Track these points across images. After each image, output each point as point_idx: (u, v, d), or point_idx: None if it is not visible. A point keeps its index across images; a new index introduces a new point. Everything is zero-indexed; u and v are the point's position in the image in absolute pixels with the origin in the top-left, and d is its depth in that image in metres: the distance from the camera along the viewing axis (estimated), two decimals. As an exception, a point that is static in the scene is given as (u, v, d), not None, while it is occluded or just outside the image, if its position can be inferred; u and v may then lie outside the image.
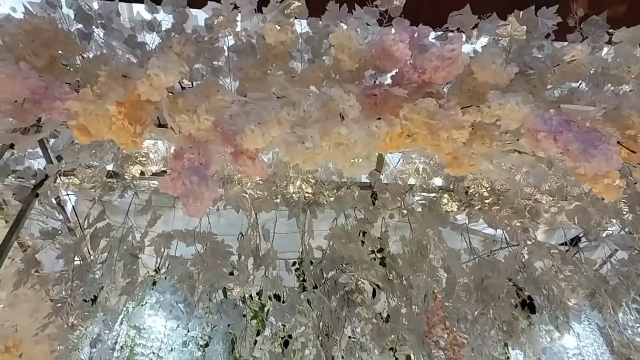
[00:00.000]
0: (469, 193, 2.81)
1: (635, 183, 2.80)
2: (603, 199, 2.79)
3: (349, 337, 2.99)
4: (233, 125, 1.69)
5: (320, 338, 3.05)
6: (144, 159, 2.52)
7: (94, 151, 2.41)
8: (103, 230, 2.50)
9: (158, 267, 2.58)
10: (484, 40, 2.11)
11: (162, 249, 2.47)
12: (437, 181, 2.94)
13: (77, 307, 2.36)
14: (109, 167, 2.60)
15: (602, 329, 2.86)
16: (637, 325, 2.74)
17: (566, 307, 2.63)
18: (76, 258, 2.44)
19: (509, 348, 2.74)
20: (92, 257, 2.48)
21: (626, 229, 2.94)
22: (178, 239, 2.48)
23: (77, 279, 2.36)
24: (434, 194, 2.90)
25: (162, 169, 2.57)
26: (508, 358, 2.67)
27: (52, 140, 2.64)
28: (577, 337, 2.75)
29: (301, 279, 2.78)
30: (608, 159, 1.75)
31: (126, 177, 2.53)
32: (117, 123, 1.58)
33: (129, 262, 2.42)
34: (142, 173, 2.58)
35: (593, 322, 2.83)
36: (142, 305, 2.44)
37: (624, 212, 2.76)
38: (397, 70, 1.81)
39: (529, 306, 2.58)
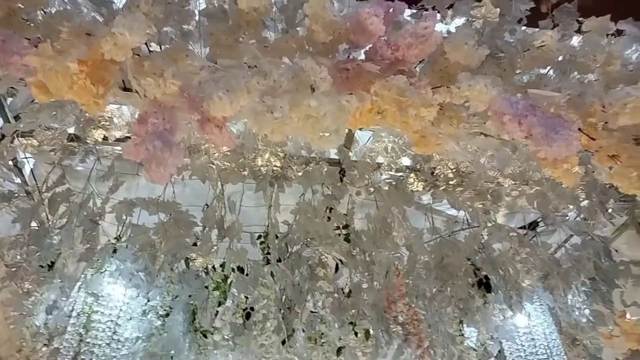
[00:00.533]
0: (434, 174, 2.86)
1: (594, 171, 2.91)
2: (562, 184, 2.90)
3: (311, 311, 3.04)
4: (201, 91, 1.66)
5: (282, 311, 3.08)
6: (108, 123, 2.43)
7: (54, 112, 2.31)
8: (62, 195, 2.42)
9: (119, 235, 2.52)
10: (458, 21, 2.12)
11: (124, 217, 2.42)
12: (405, 161, 2.97)
13: (33, 272, 2.30)
14: (70, 130, 2.50)
15: (552, 309, 2.99)
16: (584, 306, 2.88)
17: (520, 287, 2.74)
18: (33, 222, 2.36)
19: (464, 325, 2.84)
20: (50, 222, 2.41)
21: (581, 215, 3.07)
22: (141, 207, 2.43)
23: (33, 244, 2.29)
24: (401, 174, 2.93)
25: (126, 134, 2.49)
26: (462, 334, 2.77)
27: (9, 99, 2.52)
28: (528, 316, 2.87)
29: (265, 252, 2.78)
30: (568, 144, 1.81)
31: (88, 141, 2.45)
32: (79, 82, 1.52)
33: (88, 229, 2.36)
34: (105, 138, 2.50)
35: (544, 303, 2.95)
36: (101, 272, 2.39)
37: (581, 199, 2.87)
38: (370, 46, 1.81)
39: (485, 285, 2.68)
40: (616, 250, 3.13)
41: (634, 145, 2.13)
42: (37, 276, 2.33)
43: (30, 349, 3.12)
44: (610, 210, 2.91)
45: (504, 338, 2.81)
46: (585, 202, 2.90)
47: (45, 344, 2.86)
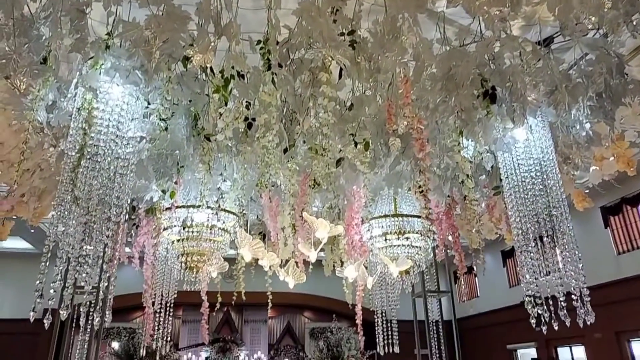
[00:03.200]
0: (452, -26, 2.58)
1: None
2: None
3: (311, 125, 3.05)
4: None
5: (283, 121, 3.10)
6: None
7: None
8: (41, -17, 2.20)
9: (110, 32, 2.37)
10: None
11: (113, 8, 2.23)
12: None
13: (25, 65, 2.21)
14: None
15: (553, 124, 3.00)
16: (586, 120, 2.88)
17: (525, 101, 2.69)
18: (16, 12, 2.18)
19: (463, 137, 2.87)
20: (32, 13, 2.23)
21: (601, 31, 2.88)
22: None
23: (19, 35, 2.16)
24: (414, -26, 2.64)
25: None
26: (459, 144, 2.81)
27: None
28: (529, 130, 2.88)
29: (266, 58, 2.66)
30: None
31: None
32: None
33: (75, 18, 2.20)
34: None
35: (546, 119, 2.94)
36: (96, 69, 2.30)
37: (606, 9, 2.65)
38: None
39: (490, 96, 2.62)
40: (626, 74, 3.02)
41: None
42: (30, 69, 2.24)
43: (39, 154, 3.21)
44: (635, 22, 2.72)
45: (501, 150, 2.86)
46: (609, 13, 2.68)
47: (52, 145, 2.93)
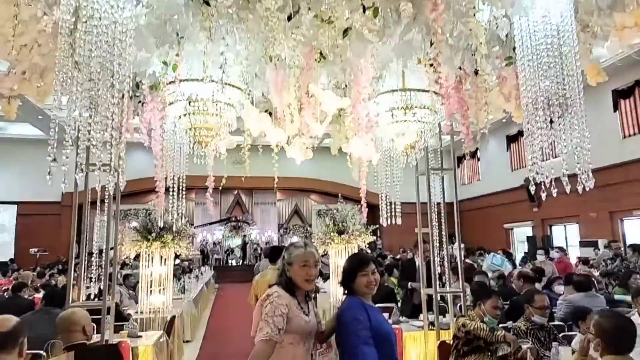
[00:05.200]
0: None
1: None
2: None
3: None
4: None
5: (286, -16, 2.90)
6: None
7: None
8: None
9: None
10: None
11: None
12: None
13: None
14: None
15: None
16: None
17: (549, -44, 2.48)
18: None
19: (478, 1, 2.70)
20: None
21: None
22: None
23: None
24: None
25: None
26: (474, 7, 2.65)
27: None
28: (549, -7, 2.68)
29: None
30: None
31: None
32: None
33: None
34: None
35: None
36: None
37: None
38: None
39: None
40: None
41: None
42: None
43: (35, 28, 3.08)
44: None
45: (518, 14, 2.70)
46: None
47: (45, 13, 2.81)
